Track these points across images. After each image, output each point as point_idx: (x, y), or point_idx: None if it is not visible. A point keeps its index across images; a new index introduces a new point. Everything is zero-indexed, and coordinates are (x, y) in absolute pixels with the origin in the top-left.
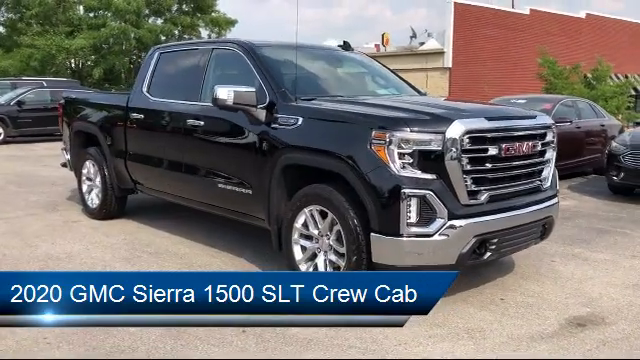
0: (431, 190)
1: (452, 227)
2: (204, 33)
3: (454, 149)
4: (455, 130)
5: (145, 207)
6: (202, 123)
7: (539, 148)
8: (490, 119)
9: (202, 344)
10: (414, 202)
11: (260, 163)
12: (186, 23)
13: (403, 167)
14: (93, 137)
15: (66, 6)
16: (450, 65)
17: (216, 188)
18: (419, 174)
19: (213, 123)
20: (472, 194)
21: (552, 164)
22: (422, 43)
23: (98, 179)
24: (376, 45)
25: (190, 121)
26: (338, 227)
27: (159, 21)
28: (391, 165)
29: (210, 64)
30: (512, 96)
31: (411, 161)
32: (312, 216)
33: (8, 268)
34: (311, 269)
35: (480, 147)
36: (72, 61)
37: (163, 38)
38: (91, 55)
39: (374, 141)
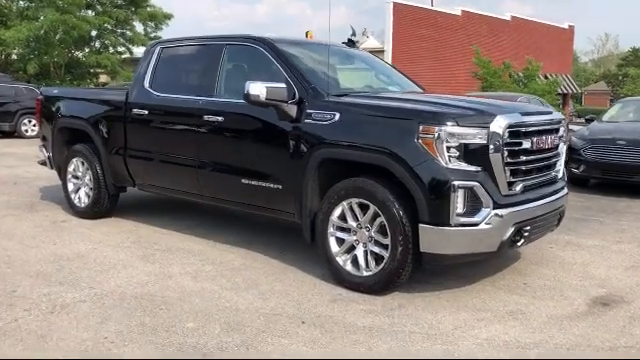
0: (478, 182)
1: (496, 216)
2: (139, 28)
3: (497, 142)
4: (498, 124)
5: (132, 205)
6: (221, 119)
7: (556, 142)
8: (523, 114)
9: (269, 337)
10: (462, 193)
11: (292, 158)
12: (121, 17)
13: (450, 160)
14: (82, 134)
15: None
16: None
17: (239, 184)
18: (465, 167)
19: (237, 119)
20: (510, 185)
21: (563, 157)
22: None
23: (88, 177)
24: None
25: (207, 117)
26: (382, 219)
27: (90, 12)
28: (439, 158)
29: (224, 60)
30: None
31: (457, 154)
32: (351, 209)
33: (20, 270)
34: (349, 261)
35: (517, 140)
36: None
37: (94, 33)
38: (26, 48)
39: (421, 135)
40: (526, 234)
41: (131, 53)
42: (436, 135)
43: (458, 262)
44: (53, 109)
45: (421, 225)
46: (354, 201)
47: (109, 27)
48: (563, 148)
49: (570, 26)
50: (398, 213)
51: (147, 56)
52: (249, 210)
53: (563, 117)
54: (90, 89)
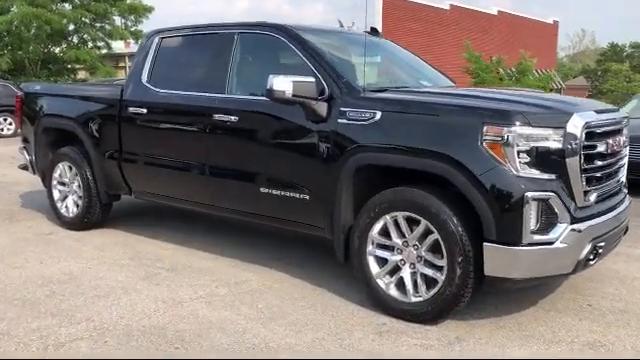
0: (554, 192)
1: (574, 231)
2: (119, 22)
3: (574, 145)
4: (575, 124)
5: (126, 213)
6: (235, 118)
7: (625, 144)
8: (598, 112)
9: None
10: (535, 206)
11: (322, 164)
12: (100, 10)
13: (520, 167)
14: (70, 135)
15: None
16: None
17: (257, 193)
18: (538, 174)
19: (255, 119)
20: (585, 194)
21: (627, 161)
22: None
23: (76, 183)
24: None
25: (219, 116)
26: (435, 236)
27: (66, 5)
28: (509, 165)
29: (236, 51)
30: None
31: (528, 160)
32: (396, 223)
33: (3, 297)
34: (392, 284)
35: (593, 143)
36: None
37: (72, 27)
38: None
39: (486, 137)
40: (600, 251)
41: (109, 48)
42: (505, 137)
43: (524, 287)
44: (36, 107)
45: (486, 244)
46: (400, 215)
47: (87, 21)
48: (627, 151)
49: (555, 21)
50: (457, 230)
51: (144, 47)
52: (268, 223)
53: (627, 115)
54: (78, 84)
